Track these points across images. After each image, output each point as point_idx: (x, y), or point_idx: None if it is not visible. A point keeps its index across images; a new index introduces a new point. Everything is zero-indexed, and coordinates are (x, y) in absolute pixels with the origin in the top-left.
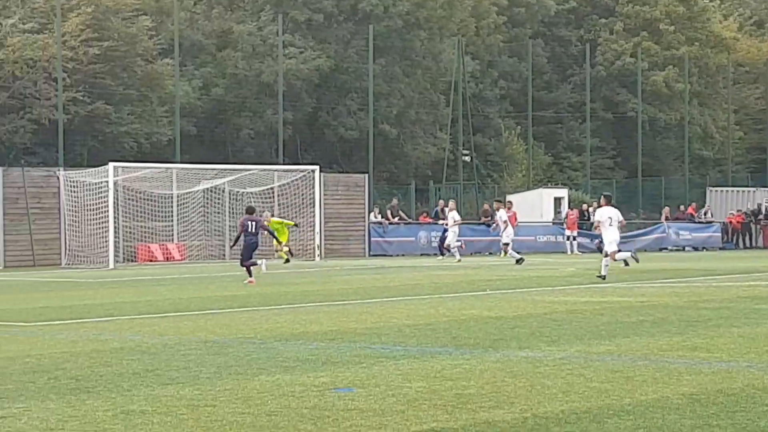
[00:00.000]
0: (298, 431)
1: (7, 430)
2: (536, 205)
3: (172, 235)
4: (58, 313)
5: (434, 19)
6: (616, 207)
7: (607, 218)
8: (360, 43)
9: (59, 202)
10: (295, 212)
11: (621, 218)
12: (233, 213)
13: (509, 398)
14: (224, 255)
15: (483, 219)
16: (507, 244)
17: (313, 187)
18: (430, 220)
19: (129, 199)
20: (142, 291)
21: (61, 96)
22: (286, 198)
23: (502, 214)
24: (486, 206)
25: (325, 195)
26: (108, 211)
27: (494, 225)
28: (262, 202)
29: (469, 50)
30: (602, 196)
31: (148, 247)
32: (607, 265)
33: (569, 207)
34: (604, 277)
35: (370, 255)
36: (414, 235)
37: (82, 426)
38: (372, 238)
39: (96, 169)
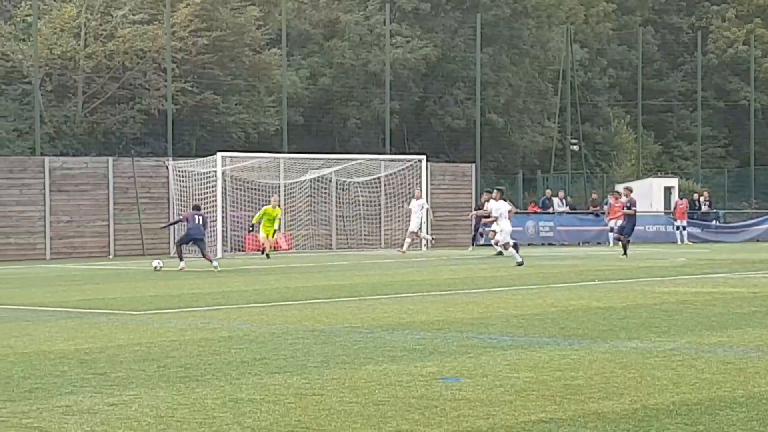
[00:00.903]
0: (405, 421)
1: (118, 417)
2: (646, 195)
3: (279, 224)
4: (167, 301)
5: (542, 7)
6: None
7: (506, 211)
8: (467, 32)
9: (168, 192)
10: (402, 202)
11: (512, 208)
12: (340, 203)
13: (618, 389)
14: (331, 245)
15: (591, 208)
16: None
17: (420, 177)
18: (539, 210)
19: (237, 188)
20: (250, 280)
21: (170, 86)
22: (393, 188)
23: (496, 205)
24: (594, 195)
25: (431, 184)
26: (216, 200)
27: (603, 214)
28: (369, 192)
29: (577, 38)
30: (496, 190)
31: (256, 237)
32: (512, 253)
33: (679, 197)
34: (521, 263)
35: (476, 244)
36: (522, 225)
37: (192, 414)
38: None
39: (204, 158)
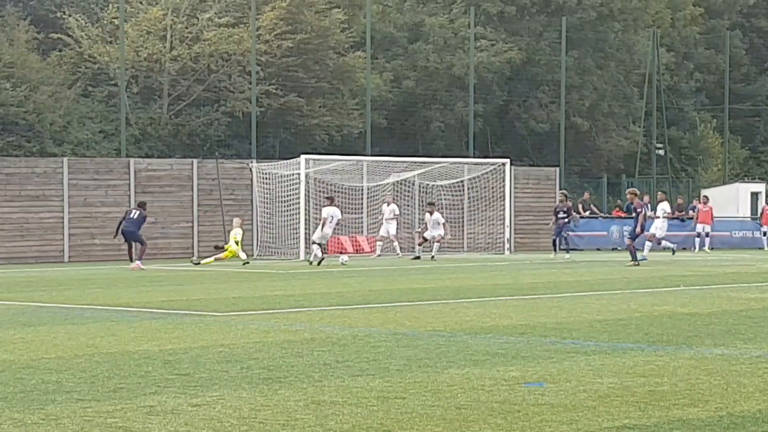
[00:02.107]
0: (487, 425)
1: (202, 417)
2: (732, 200)
3: (362, 227)
4: (250, 303)
5: (628, 10)
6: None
7: (330, 216)
8: (552, 36)
9: (252, 194)
10: (485, 205)
11: (340, 216)
12: (423, 206)
13: (704, 396)
14: (413, 248)
15: (677, 213)
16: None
17: (504, 181)
18: (623, 215)
19: (320, 191)
20: (333, 282)
21: (255, 89)
22: (476, 191)
23: (438, 217)
24: (680, 200)
25: (515, 188)
26: (299, 203)
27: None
28: (452, 195)
29: (664, 42)
30: (326, 199)
31: (339, 239)
32: (316, 254)
33: (766, 202)
34: (311, 263)
35: (560, 249)
36: (606, 230)
37: (274, 415)
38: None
39: (288, 161)
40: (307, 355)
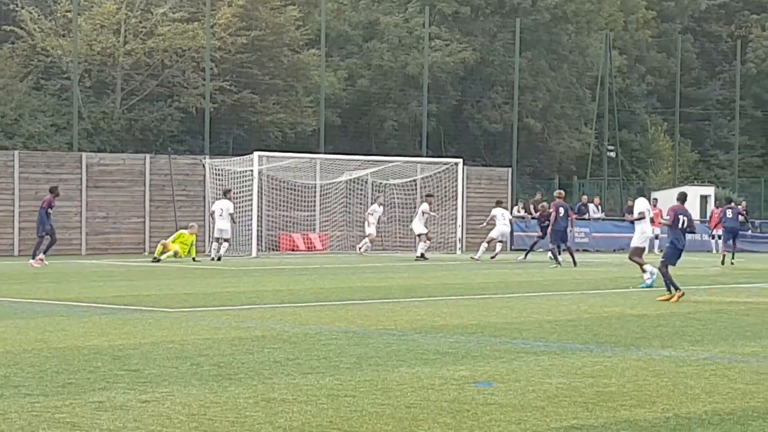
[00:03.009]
0: (437, 424)
1: (151, 414)
2: None
3: (315, 225)
4: (201, 299)
5: (582, 13)
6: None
7: (220, 209)
8: (506, 37)
9: (204, 190)
10: (438, 204)
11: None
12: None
13: (651, 397)
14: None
15: (626, 216)
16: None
17: (456, 180)
18: (575, 216)
19: (273, 188)
20: (284, 280)
21: (209, 85)
22: (429, 190)
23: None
24: (630, 203)
25: (467, 188)
26: (252, 199)
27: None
28: (405, 194)
29: (616, 45)
30: (223, 192)
31: (291, 237)
32: (213, 250)
33: (715, 205)
34: (215, 259)
35: (512, 249)
36: None
37: (224, 412)
38: (514, 233)
39: (241, 157)
40: (258, 352)
